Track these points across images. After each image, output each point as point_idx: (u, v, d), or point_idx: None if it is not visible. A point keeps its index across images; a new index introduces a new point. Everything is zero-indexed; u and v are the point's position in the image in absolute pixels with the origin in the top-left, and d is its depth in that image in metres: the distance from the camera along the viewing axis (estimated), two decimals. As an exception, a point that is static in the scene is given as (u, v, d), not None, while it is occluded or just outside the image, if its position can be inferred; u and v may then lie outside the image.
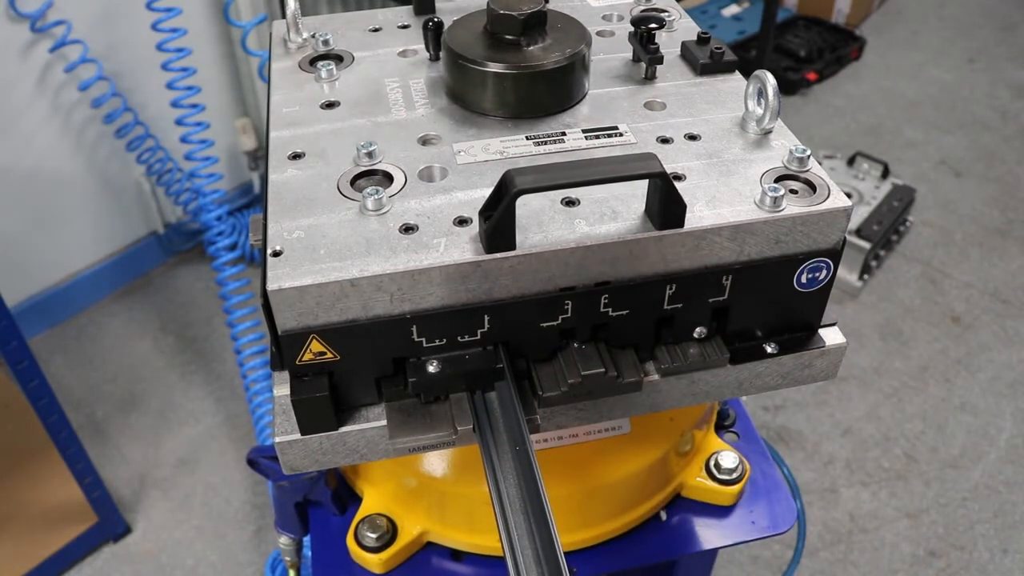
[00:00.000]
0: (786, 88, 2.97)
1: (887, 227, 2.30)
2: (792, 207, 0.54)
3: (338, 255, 0.50)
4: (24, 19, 1.80)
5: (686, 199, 0.51)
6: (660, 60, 0.66)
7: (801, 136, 0.59)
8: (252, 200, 2.45)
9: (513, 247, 0.50)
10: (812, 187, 0.56)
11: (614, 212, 0.53)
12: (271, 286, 0.48)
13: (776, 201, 0.53)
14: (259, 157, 2.39)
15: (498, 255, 0.50)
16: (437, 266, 0.49)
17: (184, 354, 2.12)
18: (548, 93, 0.62)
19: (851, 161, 2.50)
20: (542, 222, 0.52)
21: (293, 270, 0.49)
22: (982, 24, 3.47)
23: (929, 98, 3.03)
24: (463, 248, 0.51)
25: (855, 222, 2.27)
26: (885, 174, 2.45)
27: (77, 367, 2.08)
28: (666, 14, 0.74)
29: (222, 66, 2.24)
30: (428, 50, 0.70)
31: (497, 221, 0.49)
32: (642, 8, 0.76)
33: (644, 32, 0.66)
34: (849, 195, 2.38)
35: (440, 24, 0.67)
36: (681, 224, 0.52)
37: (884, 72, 3.18)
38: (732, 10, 3.35)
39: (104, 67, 1.92)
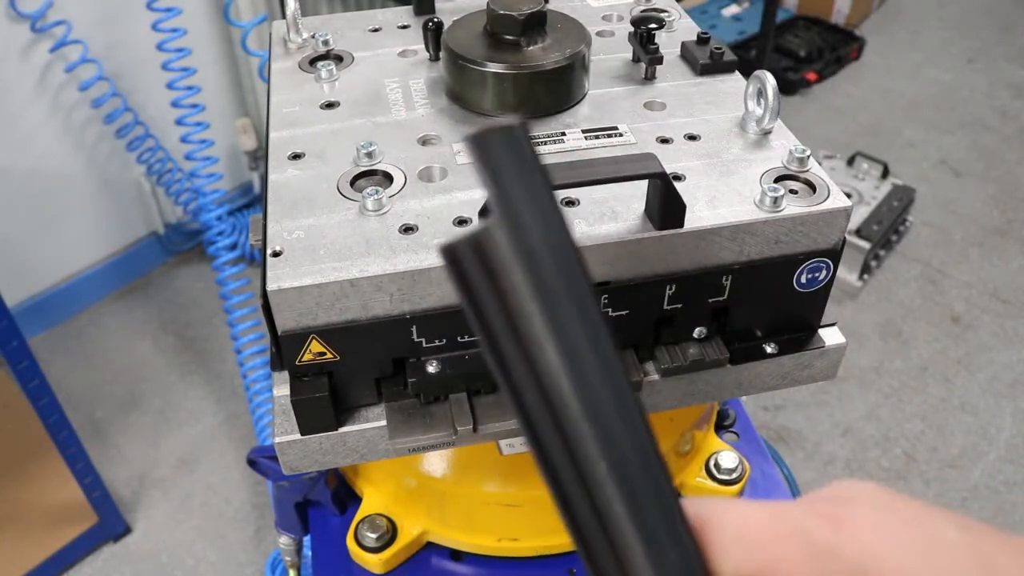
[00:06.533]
0: (786, 88, 2.97)
1: (887, 227, 2.30)
2: (792, 207, 0.54)
3: (338, 255, 0.50)
4: (24, 19, 1.80)
5: (686, 199, 0.51)
6: (660, 60, 0.66)
7: (801, 136, 0.59)
8: (252, 200, 2.45)
9: None
10: (812, 187, 0.56)
11: (614, 212, 0.53)
12: (271, 286, 0.48)
13: (776, 201, 0.53)
14: (259, 157, 2.39)
15: None
16: (437, 267, 0.49)
17: (184, 354, 2.12)
18: (548, 93, 0.62)
19: (851, 161, 2.50)
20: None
21: (293, 270, 0.49)
22: (982, 24, 3.47)
23: (929, 98, 3.03)
24: None
25: (855, 222, 2.27)
26: (885, 174, 2.45)
27: (77, 367, 2.08)
28: (666, 14, 0.74)
29: (222, 66, 2.24)
30: (428, 50, 0.70)
31: None
32: (642, 8, 0.76)
33: (644, 32, 0.66)
34: (849, 195, 2.38)
35: (440, 24, 0.67)
36: (681, 224, 0.52)
37: (884, 72, 3.18)
38: (732, 10, 3.35)
39: (104, 67, 1.92)
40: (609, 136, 0.61)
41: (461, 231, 0.51)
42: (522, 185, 0.24)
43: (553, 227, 0.24)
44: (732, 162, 0.58)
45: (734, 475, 0.76)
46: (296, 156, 0.59)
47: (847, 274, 2.24)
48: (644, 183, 0.52)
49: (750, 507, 0.27)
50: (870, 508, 0.26)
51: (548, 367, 0.24)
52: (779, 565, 0.25)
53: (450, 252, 0.24)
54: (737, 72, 0.68)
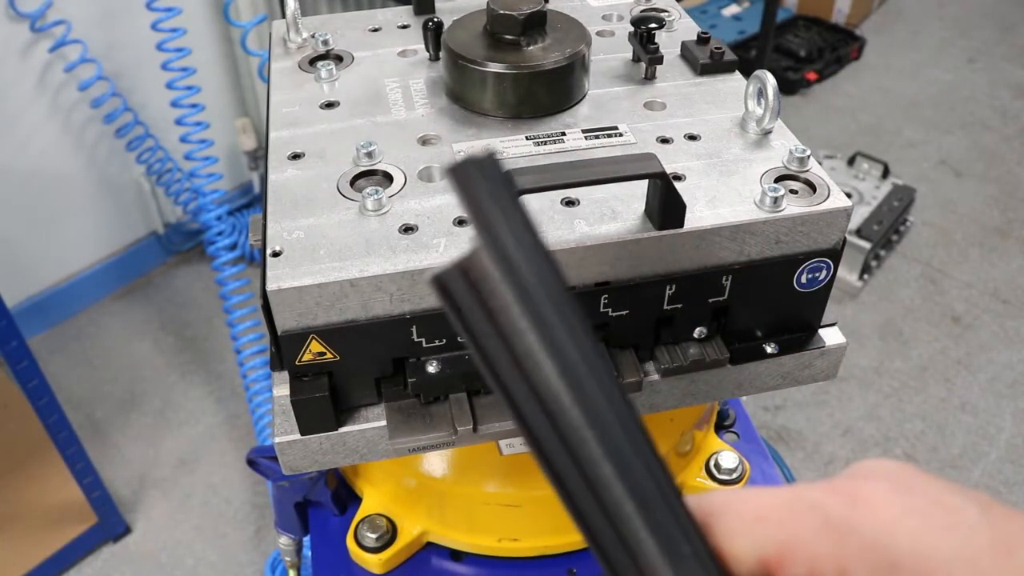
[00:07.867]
0: (786, 88, 2.97)
1: (887, 227, 2.30)
2: (792, 207, 0.54)
3: (338, 255, 0.50)
4: (24, 19, 1.80)
5: (686, 199, 0.51)
6: (660, 60, 0.66)
7: (801, 136, 0.59)
8: (252, 200, 2.45)
9: None
10: (812, 187, 0.56)
11: (614, 212, 0.53)
12: (271, 286, 0.48)
13: (776, 201, 0.53)
14: (259, 157, 2.39)
15: None
16: (437, 267, 0.49)
17: (184, 354, 2.12)
18: (548, 93, 0.62)
19: (851, 161, 2.50)
20: (542, 222, 0.52)
21: (293, 270, 0.49)
22: (982, 24, 3.47)
23: (929, 98, 3.03)
24: (463, 248, 0.50)
25: (855, 222, 2.27)
26: (885, 174, 2.45)
27: (77, 367, 2.08)
28: (666, 14, 0.74)
29: (222, 66, 2.24)
30: (428, 50, 0.70)
31: None
32: (642, 8, 0.76)
33: (644, 32, 0.66)
34: (849, 195, 2.38)
35: (440, 24, 0.67)
36: (681, 224, 0.52)
37: (884, 72, 3.18)
38: (732, 10, 3.35)
39: (104, 67, 1.92)
40: (609, 136, 0.61)
41: (462, 231, 0.52)
42: (501, 212, 0.25)
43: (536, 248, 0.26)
44: (732, 162, 0.58)
45: (734, 475, 0.76)
46: (296, 156, 0.59)
47: (847, 274, 2.24)
48: (644, 183, 0.52)
49: (769, 491, 0.27)
50: (889, 484, 0.26)
51: (546, 380, 0.25)
52: (797, 541, 0.25)
53: (439, 281, 0.25)
54: (737, 72, 0.68)
